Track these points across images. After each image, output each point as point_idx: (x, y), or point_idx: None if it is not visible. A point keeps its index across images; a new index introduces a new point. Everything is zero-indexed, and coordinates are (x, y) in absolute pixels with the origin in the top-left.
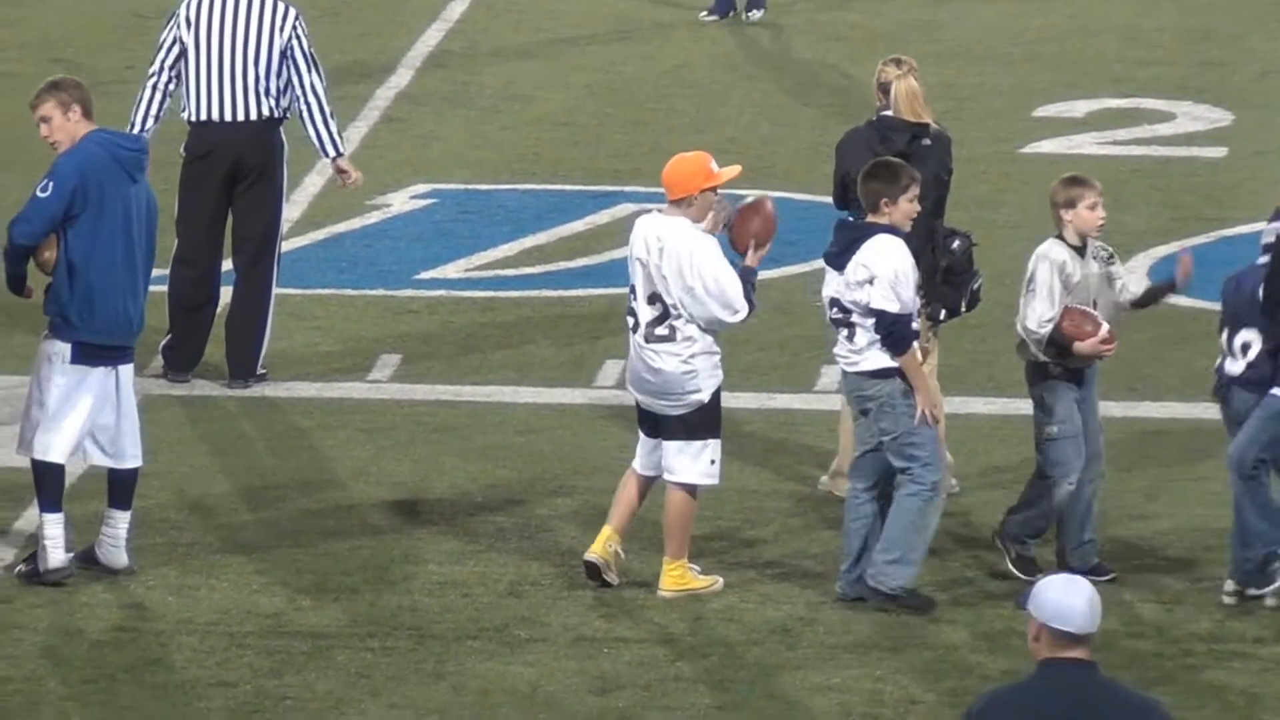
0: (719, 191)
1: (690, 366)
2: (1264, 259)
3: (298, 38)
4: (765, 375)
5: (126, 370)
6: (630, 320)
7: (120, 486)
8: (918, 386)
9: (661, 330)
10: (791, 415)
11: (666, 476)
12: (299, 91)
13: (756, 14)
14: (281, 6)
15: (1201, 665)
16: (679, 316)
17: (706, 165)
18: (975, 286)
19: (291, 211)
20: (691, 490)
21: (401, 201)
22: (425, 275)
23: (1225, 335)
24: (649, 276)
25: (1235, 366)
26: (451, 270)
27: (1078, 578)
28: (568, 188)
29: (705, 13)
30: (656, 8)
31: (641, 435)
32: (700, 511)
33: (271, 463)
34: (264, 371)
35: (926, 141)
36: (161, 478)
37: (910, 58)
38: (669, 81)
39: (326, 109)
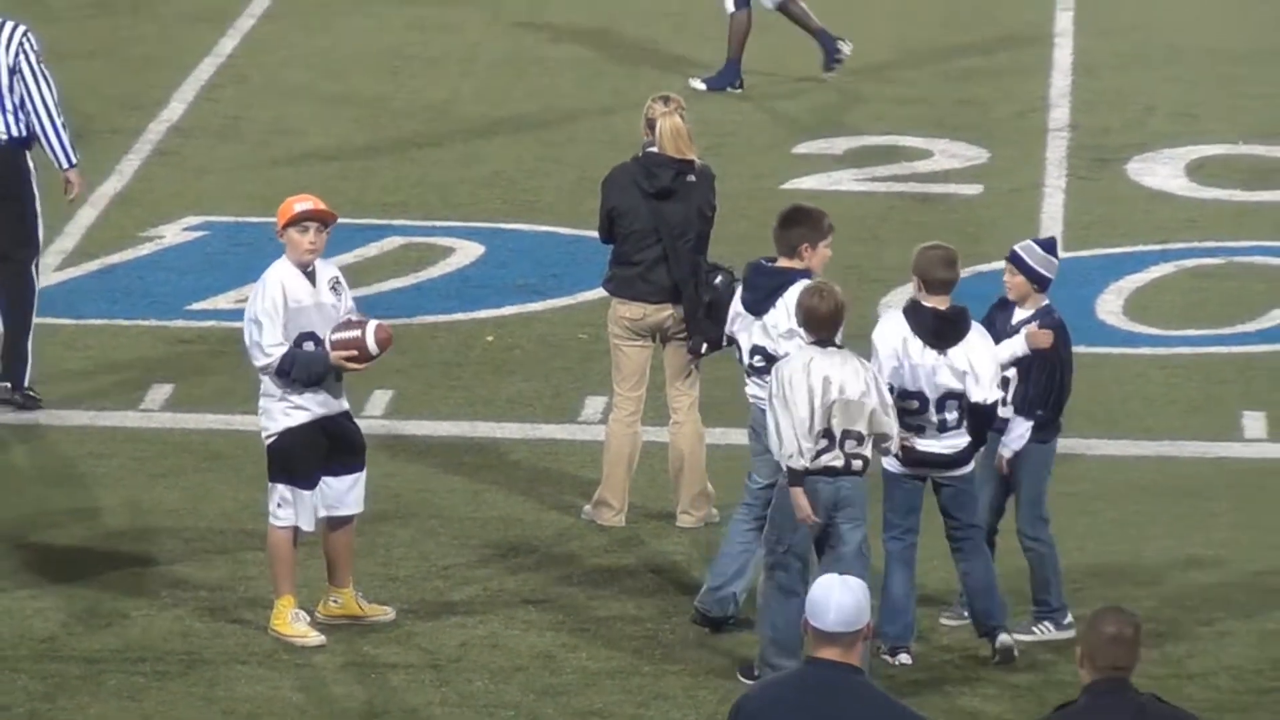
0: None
1: (260, 405)
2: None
3: (24, 53)
4: (530, 406)
5: None
6: None
7: None
8: None
9: None
10: (556, 445)
11: None
12: (30, 106)
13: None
14: (9, 25)
15: (956, 691)
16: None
17: (281, 210)
18: None
19: (65, 243)
20: (281, 530)
21: (174, 233)
22: (197, 306)
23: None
24: None
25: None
26: (223, 301)
27: (850, 579)
28: (336, 221)
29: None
30: (425, 45)
31: None
32: (465, 539)
33: (43, 491)
34: (36, 397)
35: (691, 178)
36: None
37: (678, 96)
38: (435, 116)
39: (57, 121)
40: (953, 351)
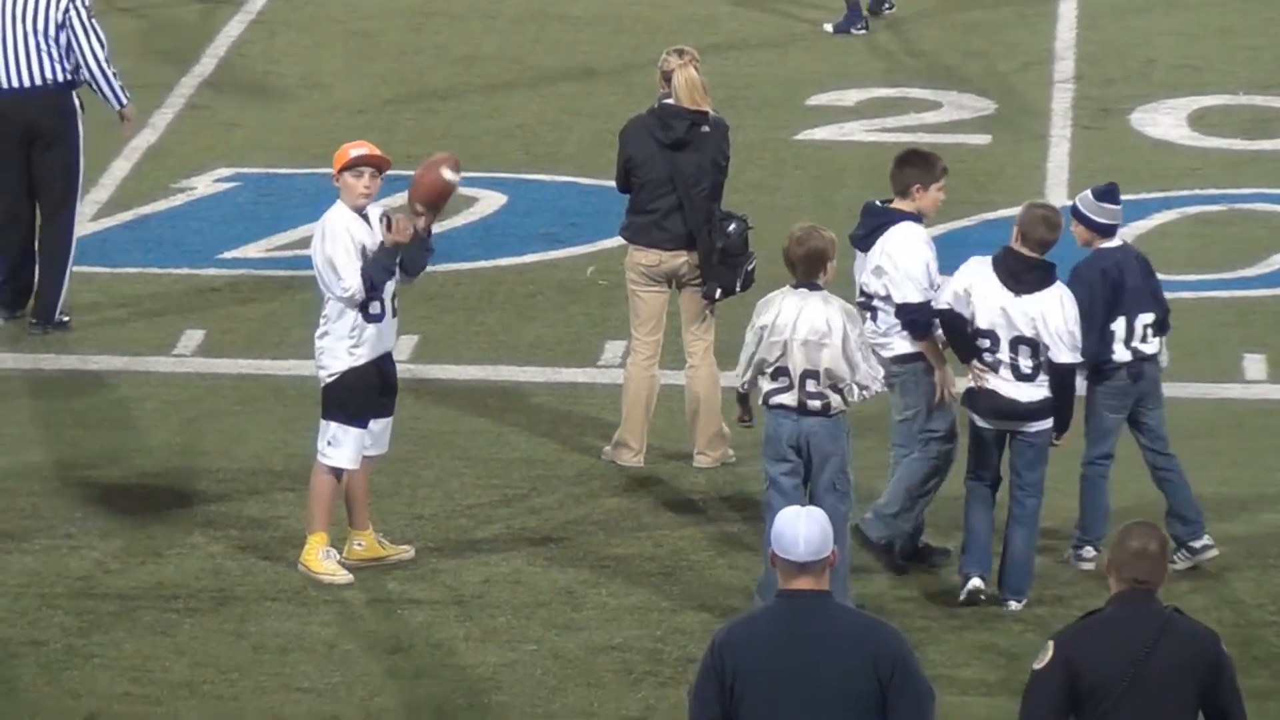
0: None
1: (320, 345)
2: (1113, 243)
3: (74, 9)
4: (551, 350)
5: None
6: None
7: None
8: (937, 367)
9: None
10: (576, 389)
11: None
12: (82, 59)
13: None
14: None
15: (966, 626)
16: (322, 293)
17: (337, 156)
18: (749, 267)
19: (99, 194)
20: (328, 469)
21: (205, 185)
22: (228, 255)
23: (1125, 320)
24: None
25: (1148, 347)
26: (253, 250)
27: (813, 509)
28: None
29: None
30: (449, 1)
31: None
32: (489, 479)
33: (80, 433)
34: (66, 319)
35: (705, 128)
36: None
37: (692, 49)
38: (459, 71)
39: (107, 70)
40: (1028, 297)
